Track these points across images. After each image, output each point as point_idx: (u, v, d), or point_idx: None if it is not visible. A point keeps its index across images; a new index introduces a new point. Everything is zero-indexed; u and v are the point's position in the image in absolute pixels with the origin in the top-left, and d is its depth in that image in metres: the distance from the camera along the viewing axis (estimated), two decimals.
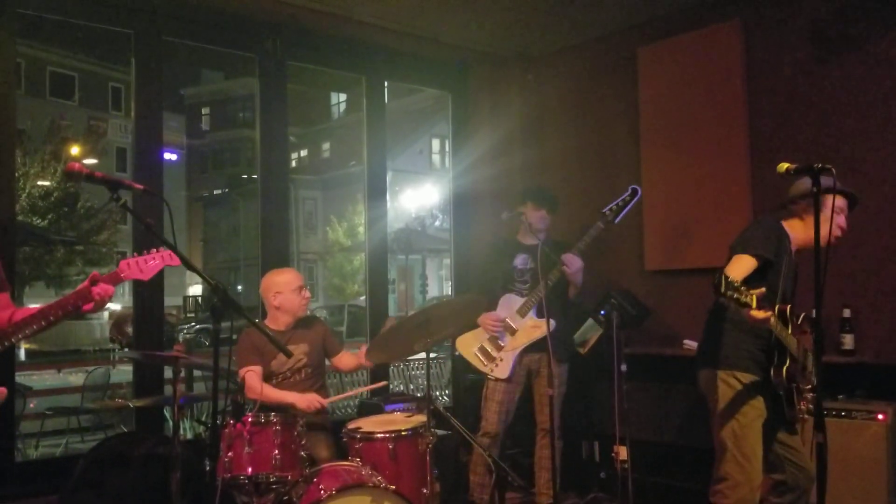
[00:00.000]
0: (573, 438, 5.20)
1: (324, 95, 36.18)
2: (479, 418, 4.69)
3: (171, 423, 3.92)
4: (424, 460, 3.45)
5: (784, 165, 2.84)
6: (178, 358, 3.36)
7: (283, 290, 4.18)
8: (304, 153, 37.12)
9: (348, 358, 4.38)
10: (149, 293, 4.55)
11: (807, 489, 3.29)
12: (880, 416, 3.87)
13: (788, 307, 3.16)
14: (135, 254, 2.88)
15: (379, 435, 3.54)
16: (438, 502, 3.57)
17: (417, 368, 9.22)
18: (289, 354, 3.70)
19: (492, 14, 5.20)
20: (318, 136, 36.44)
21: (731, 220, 4.52)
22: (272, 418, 3.49)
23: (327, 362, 4.40)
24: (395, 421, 3.81)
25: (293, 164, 35.30)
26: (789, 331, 3.13)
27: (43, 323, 2.68)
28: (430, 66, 6.15)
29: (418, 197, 25.95)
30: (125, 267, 2.79)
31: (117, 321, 16.83)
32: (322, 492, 3.15)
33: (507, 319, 4.57)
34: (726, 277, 2.77)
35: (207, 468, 3.35)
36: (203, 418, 6.05)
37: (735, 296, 2.78)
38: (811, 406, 3.14)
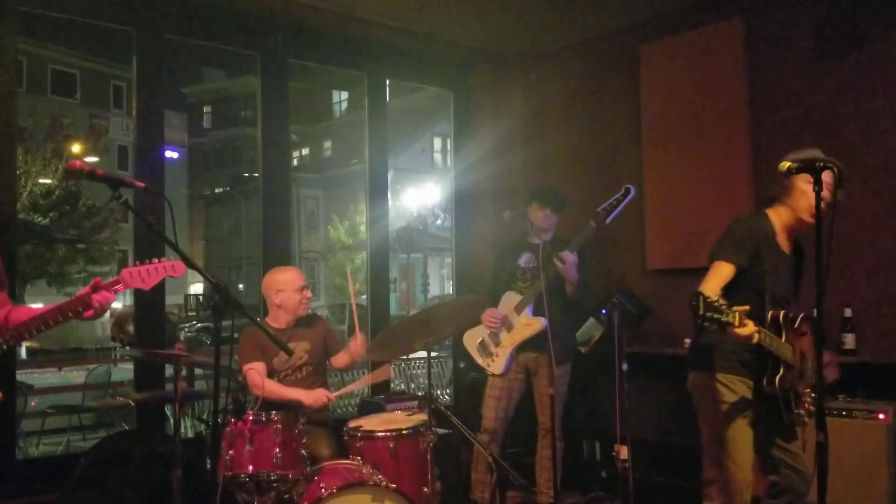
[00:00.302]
0: (574, 437, 5.20)
1: (325, 94, 36.17)
2: (481, 417, 4.71)
3: (172, 421, 3.93)
4: (425, 459, 3.45)
5: (786, 164, 2.83)
6: (180, 356, 3.36)
7: (284, 288, 4.18)
8: (305, 152, 37.10)
9: (342, 356, 4.39)
10: (150, 292, 4.51)
11: (803, 492, 3.22)
12: (881, 416, 3.87)
13: (782, 313, 3.07)
14: (136, 262, 2.87)
15: (380, 434, 3.54)
16: (439, 501, 3.56)
17: (418, 367, 9.23)
18: (290, 352, 3.70)
19: (493, 12, 5.20)
20: (320, 135, 36.43)
21: (732, 219, 4.51)
22: (273, 416, 3.49)
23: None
24: (396, 420, 3.81)
25: (295, 162, 35.28)
26: (783, 338, 3.03)
27: (42, 327, 2.69)
28: (431, 64, 6.15)
29: (420, 195, 25.93)
30: (127, 276, 2.79)
31: (119, 319, 16.83)
32: (323, 490, 3.15)
33: (506, 316, 4.62)
34: (704, 298, 2.71)
35: (208, 466, 3.35)
36: (204, 416, 6.06)
37: (715, 316, 2.71)
38: (812, 409, 3.07)
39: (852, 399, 4.04)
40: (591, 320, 4.86)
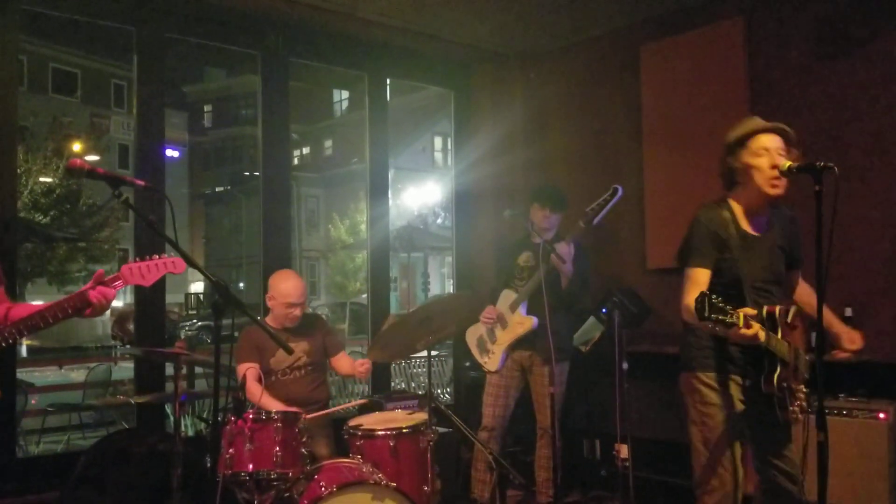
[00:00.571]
0: (575, 436, 5.20)
1: (326, 93, 36.16)
2: (481, 415, 4.73)
3: (172, 419, 3.93)
4: (425, 458, 3.45)
5: (787, 163, 2.82)
6: (180, 354, 3.36)
7: (276, 297, 4.20)
8: (306, 151, 37.11)
9: (345, 362, 4.38)
10: (150, 290, 4.52)
11: (794, 492, 3.07)
12: (881, 415, 3.87)
13: (778, 308, 2.97)
14: (136, 259, 2.86)
15: (380, 432, 3.54)
16: (439, 500, 3.57)
17: (419, 366, 9.23)
18: (290, 351, 3.70)
19: (494, 12, 5.20)
20: (321, 134, 36.43)
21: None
22: (273, 415, 3.49)
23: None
24: (397, 418, 3.82)
25: (295, 161, 35.27)
26: (779, 334, 2.94)
27: (42, 324, 2.67)
28: (432, 63, 6.15)
29: (420, 195, 25.92)
30: (127, 272, 2.78)
31: (119, 318, 16.85)
32: (323, 489, 3.16)
33: (501, 314, 4.67)
34: (709, 298, 2.64)
35: (208, 465, 3.35)
36: (204, 415, 6.06)
37: (720, 318, 2.65)
38: (804, 405, 3.02)
39: (853, 398, 4.04)
40: (592, 319, 4.86)
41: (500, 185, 5.99)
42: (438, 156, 31.97)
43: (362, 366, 4.21)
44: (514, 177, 5.96)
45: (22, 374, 9.27)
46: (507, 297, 4.69)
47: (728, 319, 2.67)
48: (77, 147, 24.31)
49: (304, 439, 3.53)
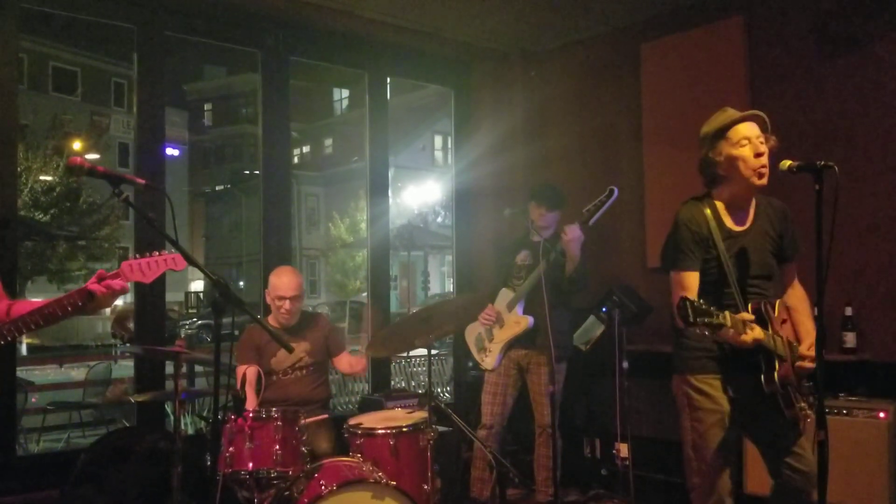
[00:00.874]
0: (574, 435, 5.20)
1: (326, 91, 36.14)
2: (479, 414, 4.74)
3: (172, 418, 3.93)
4: (425, 456, 3.45)
5: (786, 163, 2.81)
6: (180, 353, 3.36)
7: (270, 292, 4.23)
8: (306, 149, 37.09)
9: (346, 361, 4.38)
10: (150, 289, 4.53)
11: (809, 492, 2.97)
12: (881, 415, 3.87)
13: (763, 303, 2.90)
14: (136, 255, 2.85)
15: (380, 431, 3.54)
16: (439, 498, 3.57)
17: (419, 365, 9.23)
18: (290, 349, 3.70)
19: (494, 10, 5.19)
20: (321, 133, 36.40)
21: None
22: (273, 413, 3.49)
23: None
24: (397, 417, 3.82)
25: (295, 160, 35.25)
26: (770, 330, 2.88)
27: (41, 321, 2.65)
28: (432, 62, 6.15)
29: (420, 193, 25.89)
30: (127, 269, 2.76)
31: (119, 316, 16.81)
32: (323, 487, 3.16)
33: (499, 312, 4.68)
34: (691, 302, 2.59)
35: (208, 463, 3.36)
36: (204, 413, 6.06)
37: (706, 320, 2.60)
38: (812, 400, 2.89)
39: (853, 397, 4.04)
40: (592, 318, 4.87)
41: (500, 184, 5.99)
42: (438, 154, 31.96)
43: (359, 364, 4.24)
44: (514, 175, 5.95)
45: (22, 372, 9.28)
46: (505, 295, 4.70)
47: (715, 321, 2.63)
48: (77, 145, 24.31)
49: (304, 437, 3.53)
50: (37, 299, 3.02)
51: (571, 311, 4.78)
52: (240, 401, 3.98)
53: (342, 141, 34.43)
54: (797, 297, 3.15)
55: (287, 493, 3.33)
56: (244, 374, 4.01)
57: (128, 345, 13.96)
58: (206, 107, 38.94)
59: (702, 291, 2.92)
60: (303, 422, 3.56)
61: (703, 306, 2.62)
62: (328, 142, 36.80)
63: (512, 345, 4.63)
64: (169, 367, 4.04)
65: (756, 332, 2.75)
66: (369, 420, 3.77)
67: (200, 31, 5.08)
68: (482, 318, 4.67)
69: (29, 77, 27.40)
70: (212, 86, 38.32)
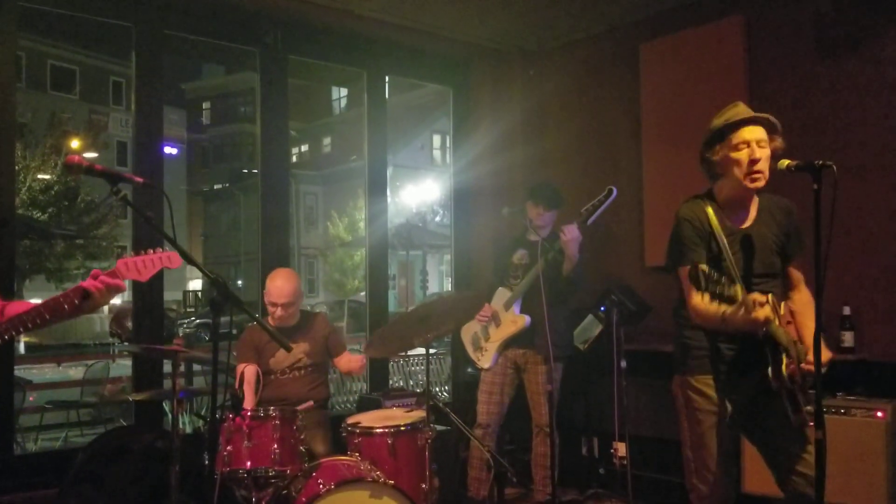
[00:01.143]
0: (572, 434, 5.20)
1: (325, 90, 36.13)
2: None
3: (170, 416, 3.92)
4: (423, 455, 3.45)
5: (785, 162, 2.80)
6: (178, 352, 3.36)
7: (266, 295, 4.23)
8: (304, 148, 37.08)
9: (346, 361, 4.38)
10: (148, 287, 4.54)
11: (811, 495, 2.82)
12: (879, 414, 3.87)
13: (769, 297, 2.81)
14: (132, 253, 2.84)
15: (378, 430, 3.54)
16: (437, 497, 3.56)
17: (417, 364, 9.23)
18: (288, 349, 3.70)
19: (494, 9, 5.19)
20: (319, 131, 36.40)
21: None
22: (271, 412, 3.49)
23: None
24: (395, 416, 3.82)
25: (294, 158, 35.25)
26: (777, 322, 2.83)
27: (38, 320, 2.62)
28: (431, 60, 6.15)
29: (419, 192, 25.91)
30: (123, 267, 2.74)
31: (117, 315, 16.83)
32: (321, 486, 3.16)
33: (496, 312, 4.68)
34: (703, 270, 2.57)
35: (206, 462, 3.35)
36: (202, 412, 6.05)
37: (718, 290, 2.57)
38: (810, 409, 2.77)
39: (851, 397, 4.04)
40: (590, 318, 4.87)
41: (498, 183, 5.99)
42: (437, 153, 31.97)
43: (357, 362, 4.24)
44: (512, 174, 5.95)
45: (20, 370, 9.25)
46: (502, 295, 4.70)
47: (727, 291, 2.60)
48: (75, 144, 24.29)
49: (302, 436, 3.53)
50: (34, 299, 3.01)
51: (569, 310, 4.78)
52: (238, 400, 3.98)
53: (341, 140, 34.41)
54: (802, 301, 3.10)
55: (285, 491, 3.33)
56: (242, 373, 4.02)
57: (126, 343, 13.96)
58: (205, 105, 38.94)
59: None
60: (298, 409, 3.57)
61: (716, 276, 2.59)
62: (327, 140, 36.79)
63: (509, 344, 4.63)
64: (167, 366, 4.04)
65: (767, 311, 2.71)
66: (367, 419, 3.77)
67: (199, 30, 5.08)
68: (479, 318, 4.67)
69: (27, 75, 27.42)
70: (210, 84, 38.31)
